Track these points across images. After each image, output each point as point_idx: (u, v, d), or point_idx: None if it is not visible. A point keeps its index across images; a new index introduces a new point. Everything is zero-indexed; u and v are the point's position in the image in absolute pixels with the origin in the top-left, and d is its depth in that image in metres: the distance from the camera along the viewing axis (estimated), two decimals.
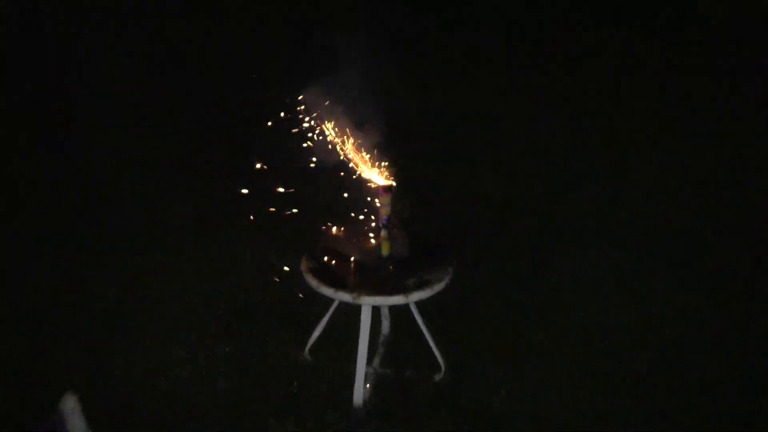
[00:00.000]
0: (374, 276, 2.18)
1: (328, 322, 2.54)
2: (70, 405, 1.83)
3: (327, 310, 2.50)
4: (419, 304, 2.36)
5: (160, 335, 2.74)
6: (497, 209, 4.32)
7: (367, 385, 2.34)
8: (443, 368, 2.48)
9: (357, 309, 2.22)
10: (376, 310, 2.50)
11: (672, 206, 4.38)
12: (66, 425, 1.85)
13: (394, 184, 2.20)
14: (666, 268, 3.47)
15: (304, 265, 2.23)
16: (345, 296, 2.09)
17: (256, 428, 2.23)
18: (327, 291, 2.12)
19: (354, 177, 2.28)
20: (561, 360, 2.65)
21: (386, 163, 2.21)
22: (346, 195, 2.52)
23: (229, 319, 2.87)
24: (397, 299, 2.11)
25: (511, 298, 3.11)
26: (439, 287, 2.16)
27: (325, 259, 2.26)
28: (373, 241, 2.31)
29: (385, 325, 2.73)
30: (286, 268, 3.10)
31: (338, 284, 2.13)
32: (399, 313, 2.65)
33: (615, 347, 2.76)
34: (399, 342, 2.68)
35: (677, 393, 2.49)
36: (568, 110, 6.09)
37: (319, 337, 2.58)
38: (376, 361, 2.55)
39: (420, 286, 2.13)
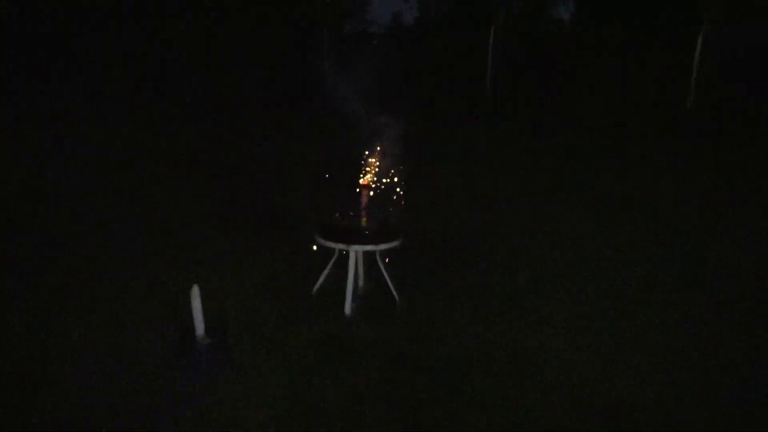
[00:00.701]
0: (357, 237, 3.83)
1: (328, 274, 4.14)
2: (195, 292, 3.42)
3: (328, 263, 4.13)
4: (385, 265, 4.02)
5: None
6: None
7: (352, 306, 3.93)
8: (398, 300, 4.09)
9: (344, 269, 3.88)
10: (353, 261, 4.12)
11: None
12: (193, 307, 3.41)
13: (369, 185, 3.87)
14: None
15: (317, 233, 3.87)
16: (341, 246, 3.74)
17: (285, 325, 3.77)
18: (330, 244, 3.76)
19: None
20: (483, 302, 4.27)
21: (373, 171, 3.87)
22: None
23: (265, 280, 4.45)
24: (370, 247, 3.76)
25: (453, 268, 4.77)
26: (394, 244, 3.82)
27: (328, 229, 3.91)
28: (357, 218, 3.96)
29: (361, 285, 4.33)
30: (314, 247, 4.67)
31: (337, 240, 3.77)
32: (372, 278, 4.29)
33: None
34: (372, 291, 4.29)
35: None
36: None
37: (322, 285, 4.18)
38: (356, 300, 4.13)
39: (383, 242, 3.79)
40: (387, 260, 4.15)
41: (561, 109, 10.09)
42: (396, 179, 3.99)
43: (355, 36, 15.85)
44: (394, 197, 4.01)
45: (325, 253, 4.07)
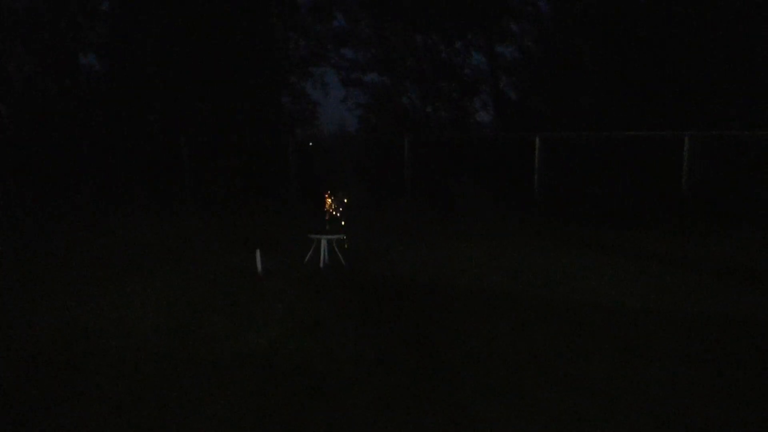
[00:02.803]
0: (324, 232, 8.67)
1: (313, 249, 8.90)
2: (258, 253, 8.21)
3: (312, 244, 8.91)
4: (337, 242, 8.86)
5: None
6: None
7: (324, 265, 8.69)
8: (344, 263, 8.85)
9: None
10: (323, 244, 8.91)
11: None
12: (257, 258, 8.18)
13: (329, 209, 8.74)
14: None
15: (307, 232, 8.69)
16: (317, 236, 8.60)
17: (294, 270, 8.46)
18: (312, 236, 8.61)
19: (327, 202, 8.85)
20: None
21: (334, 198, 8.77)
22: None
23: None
24: (329, 237, 8.63)
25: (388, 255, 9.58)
26: (340, 236, 8.68)
27: (311, 229, 8.74)
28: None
29: (327, 256, 9.07)
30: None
31: (315, 234, 8.61)
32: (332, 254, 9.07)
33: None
34: (331, 260, 9.02)
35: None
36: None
37: (309, 257, 8.92)
38: (324, 263, 8.85)
39: (335, 234, 8.65)
40: (338, 245, 8.97)
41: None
42: (342, 208, 8.87)
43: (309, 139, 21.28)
44: (341, 215, 8.87)
45: (310, 242, 8.87)
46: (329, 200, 8.68)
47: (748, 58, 16.18)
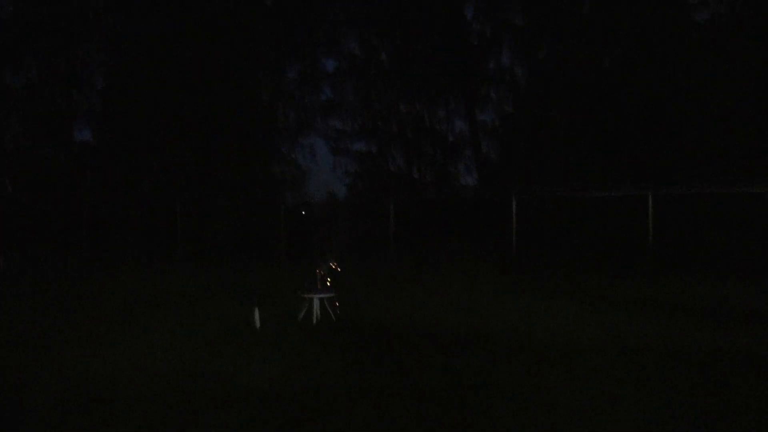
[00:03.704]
0: (316, 291, 9.48)
1: (306, 308, 9.68)
2: (256, 311, 9.00)
3: (306, 302, 9.69)
4: (328, 300, 9.66)
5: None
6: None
7: (316, 320, 9.45)
8: (334, 318, 9.62)
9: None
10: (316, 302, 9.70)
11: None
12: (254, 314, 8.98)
13: (321, 271, 9.58)
14: None
15: (299, 291, 9.50)
16: (310, 295, 9.40)
17: (289, 326, 9.19)
18: (305, 295, 9.41)
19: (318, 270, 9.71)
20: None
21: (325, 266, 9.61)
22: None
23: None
24: (321, 295, 9.44)
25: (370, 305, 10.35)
26: (331, 294, 9.49)
27: (304, 289, 9.56)
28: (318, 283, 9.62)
29: (318, 313, 9.84)
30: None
31: (307, 293, 9.42)
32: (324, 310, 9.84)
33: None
34: (322, 315, 9.78)
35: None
36: None
37: (303, 314, 9.68)
38: (317, 319, 9.62)
39: (326, 294, 9.46)
40: (330, 303, 9.74)
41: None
42: (331, 270, 9.70)
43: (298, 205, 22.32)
44: (330, 277, 9.69)
45: (302, 301, 9.64)
46: (321, 264, 9.52)
47: (706, 123, 17.52)
